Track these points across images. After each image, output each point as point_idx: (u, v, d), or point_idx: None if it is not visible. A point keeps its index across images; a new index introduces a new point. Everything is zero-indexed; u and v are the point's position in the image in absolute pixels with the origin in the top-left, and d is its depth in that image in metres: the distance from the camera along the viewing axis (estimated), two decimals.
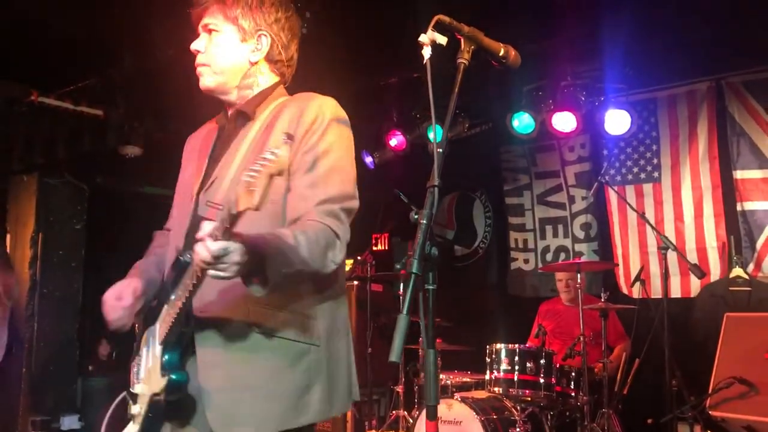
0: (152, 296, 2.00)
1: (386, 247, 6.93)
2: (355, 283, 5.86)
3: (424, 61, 1.71)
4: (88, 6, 4.52)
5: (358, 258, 5.86)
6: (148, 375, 1.86)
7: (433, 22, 1.74)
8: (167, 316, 1.81)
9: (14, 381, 6.12)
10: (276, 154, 1.39)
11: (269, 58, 2.02)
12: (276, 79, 2.05)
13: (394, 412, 5.47)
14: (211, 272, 1.52)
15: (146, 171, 6.67)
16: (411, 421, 5.12)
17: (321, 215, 1.77)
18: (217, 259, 1.47)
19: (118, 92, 5.69)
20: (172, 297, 1.80)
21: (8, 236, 6.53)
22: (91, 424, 6.18)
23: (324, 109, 1.90)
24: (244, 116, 1.98)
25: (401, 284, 5.54)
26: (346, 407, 1.94)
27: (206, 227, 1.47)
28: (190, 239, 1.85)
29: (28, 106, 5.45)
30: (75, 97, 5.55)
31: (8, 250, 6.51)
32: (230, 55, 1.97)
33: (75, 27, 4.74)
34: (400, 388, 5.43)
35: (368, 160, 6.40)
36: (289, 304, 1.81)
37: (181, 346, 1.79)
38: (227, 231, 1.46)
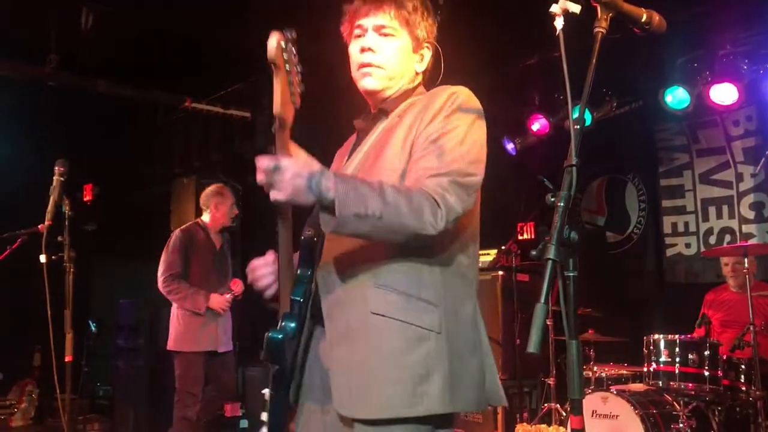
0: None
1: (532, 236, 6.73)
2: (500, 273, 5.72)
3: (557, 33, 1.60)
4: (232, 16, 4.75)
5: (503, 247, 5.73)
6: None
7: None
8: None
9: None
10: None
11: (425, 70, 2.03)
12: (420, 81, 2.05)
13: (546, 404, 5.32)
14: (272, 194, 1.56)
15: None
16: (564, 414, 4.95)
17: (427, 185, 1.72)
18: (269, 174, 1.53)
19: (264, 95, 5.94)
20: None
21: None
22: (252, 411, 6.49)
23: (454, 97, 1.86)
24: (382, 113, 1.99)
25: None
26: (477, 407, 1.85)
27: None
28: (313, 223, 1.90)
29: (183, 112, 5.82)
30: (224, 101, 5.86)
31: None
32: (405, 62, 1.97)
33: (221, 36, 4.99)
34: (551, 381, 5.26)
35: (509, 146, 6.25)
36: (410, 287, 1.77)
37: (299, 317, 1.83)
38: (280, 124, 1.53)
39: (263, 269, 2.01)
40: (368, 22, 1.94)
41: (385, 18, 1.92)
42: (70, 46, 5.02)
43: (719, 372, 4.24)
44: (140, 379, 6.54)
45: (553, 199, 1.53)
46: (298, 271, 1.88)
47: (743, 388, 4.31)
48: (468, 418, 5.36)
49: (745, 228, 5.92)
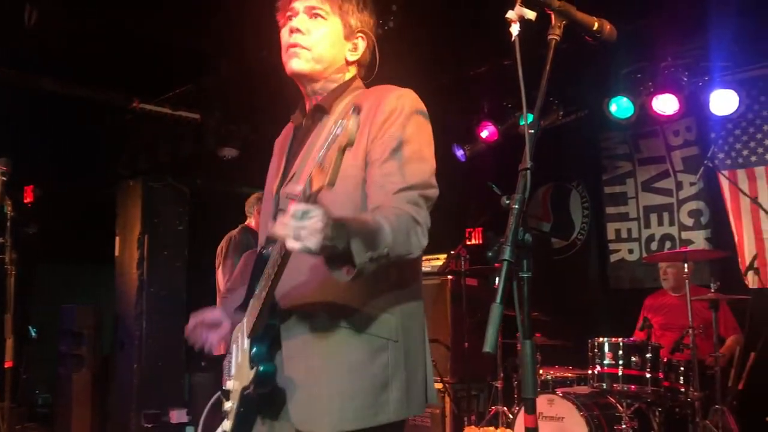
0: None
1: (480, 241, 6.82)
2: (450, 277, 5.77)
3: (513, 39, 1.64)
4: (183, 15, 4.68)
5: (452, 252, 5.78)
6: (238, 370, 1.88)
7: None
8: (253, 309, 1.81)
9: (127, 376, 6.43)
10: (343, 125, 1.31)
11: (358, 61, 2.01)
12: (354, 74, 2.03)
13: (493, 407, 5.37)
14: (292, 244, 1.39)
15: (243, 172, 6.85)
16: (511, 417, 5.01)
17: (399, 202, 1.71)
18: (298, 221, 1.37)
19: (214, 96, 5.87)
20: (257, 291, 1.81)
21: (117, 239, 6.86)
22: (198, 418, 6.40)
23: (403, 100, 1.85)
24: (321, 110, 1.96)
25: (496, 277, 5.42)
26: (422, 409, 1.86)
27: (293, 187, 1.42)
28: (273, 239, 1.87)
29: (131, 113, 5.70)
30: (173, 102, 5.76)
31: (117, 253, 6.84)
32: (335, 48, 1.94)
33: (171, 36, 4.91)
34: (499, 384, 5.33)
35: (459, 153, 6.31)
36: (368, 297, 1.77)
37: (268, 338, 1.78)
38: (314, 196, 1.38)
39: (190, 329, 2.02)
40: (300, 4, 1.92)
41: (316, 0, 1.91)
42: (13, 42, 4.87)
43: (660, 374, 4.36)
44: (83, 387, 6.38)
45: (507, 202, 1.56)
46: (257, 290, 1.81)
47: (682, 390, 4.44)
48: (416, 421, 5.38)
49: (684, 234, 6.12)
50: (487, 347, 1.41)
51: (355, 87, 1.99)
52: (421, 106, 1.89)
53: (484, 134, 6.08)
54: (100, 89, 5.54)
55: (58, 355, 6.65)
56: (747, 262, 5.33)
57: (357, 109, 1.37)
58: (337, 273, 1.56)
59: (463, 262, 5.60)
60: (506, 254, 1.48)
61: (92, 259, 7.97)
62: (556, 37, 1.70)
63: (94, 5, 4.55)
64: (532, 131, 1.62)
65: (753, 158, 5.54)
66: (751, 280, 4.88)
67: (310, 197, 1.38)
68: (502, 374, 5.34)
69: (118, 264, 6.85)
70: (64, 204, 7.33)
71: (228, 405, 1.89)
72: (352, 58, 1.99)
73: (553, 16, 1.72)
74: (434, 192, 1.80)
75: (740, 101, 5.00)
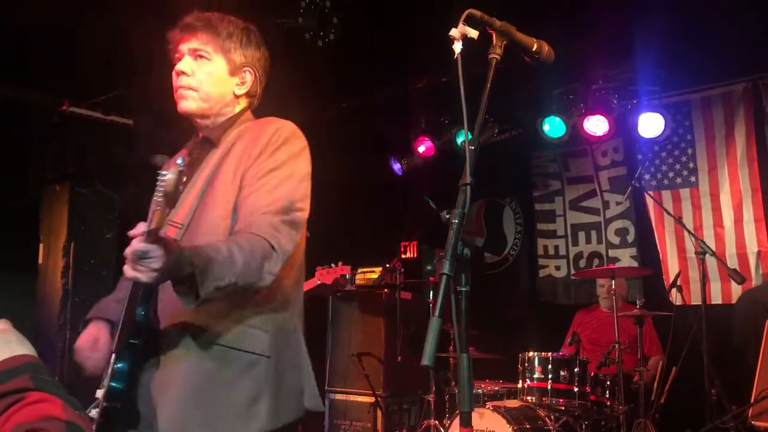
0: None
1: (415, 255, 6.86)
2: (384, 290, 5.79)
3: (455, 56, 1.67)
4: (117, 18, 4.56)
5: (387, 266, 5.80)
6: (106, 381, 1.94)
7: (464, 16, 1.71)
8: (120, 326, 1.90)
9: None
10: (164, 176, 1.55)
11: (248, 93, 2.12)
12: (245, 106, 2.15)
13: (425, 421, 5.38)
14: (130, 272, 1.57)
15: None
16: (442, 430, 5.04)
17: (259, 227, 1.81)
18: (138, 258, 1.55)
19: (147, 101, 5.72)
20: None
21: (41, 246, 6.60)
22: None
23: (280, 132, 1.97)
24: (208, 143, 2.07)
25: (431, 292, 5.48)
26: (297, 415, 1.96)
27: (138, 227, 1.56)
28: None
29: (59, 116, 5.51)
30: (105, 106, 5.61)
31: (41, 260, 6.57)
32: (220, 85, 2.05)
33: (105, 38, 4.78)
34: (431, 397, 5.34)
35: (396, 167, 6.35)
36: (239, 315, 1.88)
37: (132, 355, 1.84)
38: (154, 235, 1.54)
39: (89, 353, 2.07)
40: (185, 46, 2.05)
41: (198, 42, 2.03)
42: None
43: (587, 388, 4.48)
44: None
45: (448, 216, 1.58)
46: (135, 310, 1.89)
47: (608, 403, 4.57)
48: None
49: (612, 252, 6.31)
50: (426, 360, 1.43)
51: (244, 119, 2.10)
52: (299, 136, 2.01)
53: (420, 149, 6.14)
54: (27, 89, 5.35)
55: None
56: (671, 280, 5.53)
57: (179, 163, 1.61)
58: (184, 299, 1.68)
59: (397, 276, 5.62)
60: (446, 268, 1.50)
61: (12, 268, 7.63)
62: (496, 56, 1.75)
63: (25, 1, 4.40)
64: (473, 147, 1.64)
65: (678, 180, 5.77)
66: (675, 298, 5.07)
67: (151, 235, 1.54)
68: (434, 388, 5.36)
69: (41, 272, 6.57)
70: None
71: (93, 413, 1.93)
72: (240, 91, 2.10)
73: (494, 36, 1.77)
74: (299, 216, 1.91)
75: (666, 125, 5.20)
